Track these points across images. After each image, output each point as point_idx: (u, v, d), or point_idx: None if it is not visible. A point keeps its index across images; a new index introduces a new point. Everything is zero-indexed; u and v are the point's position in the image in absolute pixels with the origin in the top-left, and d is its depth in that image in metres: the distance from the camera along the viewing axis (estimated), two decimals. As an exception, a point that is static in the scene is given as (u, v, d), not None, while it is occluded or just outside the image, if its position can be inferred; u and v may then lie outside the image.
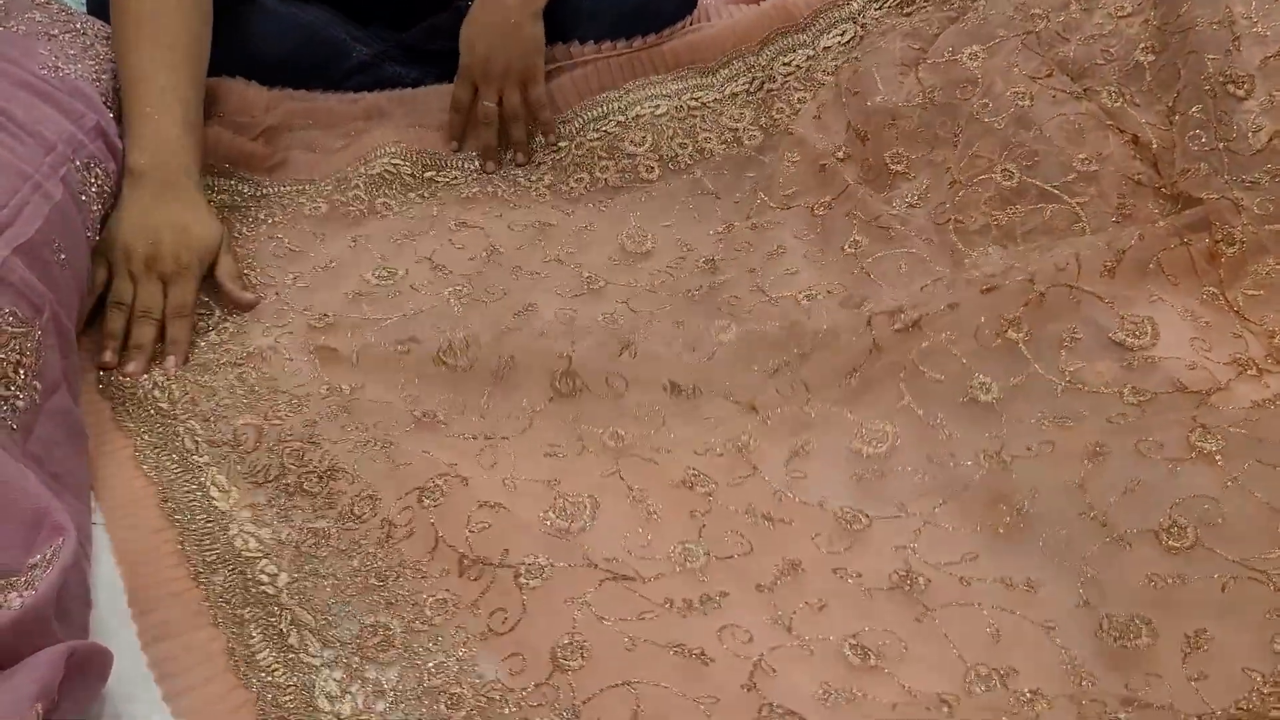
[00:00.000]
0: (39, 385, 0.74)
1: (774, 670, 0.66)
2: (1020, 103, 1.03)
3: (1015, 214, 0.99)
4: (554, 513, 0.75)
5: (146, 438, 0.83)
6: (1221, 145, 0.94)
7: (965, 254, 0.99)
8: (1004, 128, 1.03)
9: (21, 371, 0.71)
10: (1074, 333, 0.87)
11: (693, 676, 0.65)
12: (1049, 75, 1.04)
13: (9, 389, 0.70)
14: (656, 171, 1.19)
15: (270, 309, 0.96)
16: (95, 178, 0.89)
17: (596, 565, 0.71)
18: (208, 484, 0.78)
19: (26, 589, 0.56)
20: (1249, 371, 0.84)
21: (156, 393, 0.86)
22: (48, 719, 0.54)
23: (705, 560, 0.73)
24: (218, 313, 0.95)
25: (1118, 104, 1.03)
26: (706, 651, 0.66)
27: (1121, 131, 1.01)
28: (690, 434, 0.86)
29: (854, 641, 0.68)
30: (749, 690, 0.64)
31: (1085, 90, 1.04)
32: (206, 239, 0.93)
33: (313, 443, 0.81)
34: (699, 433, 0.86)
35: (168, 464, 0.80)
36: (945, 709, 0.64)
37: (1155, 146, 0.99)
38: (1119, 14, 1.06)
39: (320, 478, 0.78)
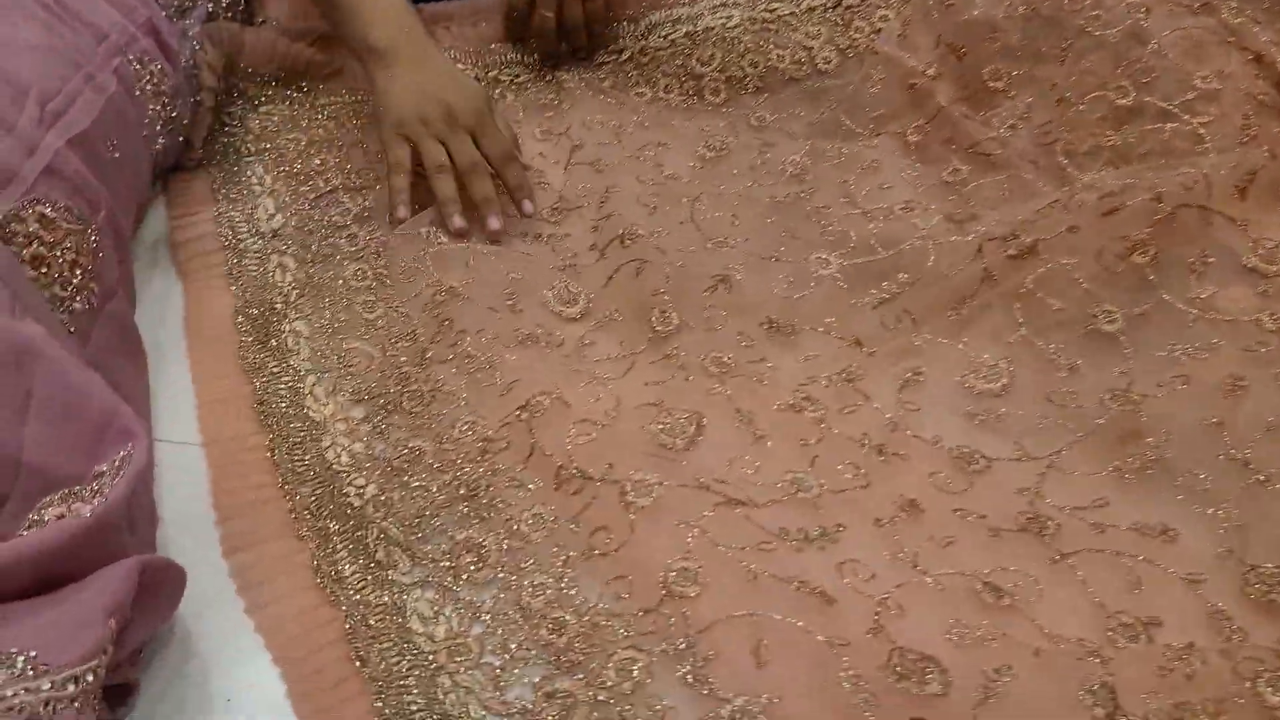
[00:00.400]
0: (96, 288, 0.68)
1: (902, 610, 0.60)
2: (1135, 15, 0.95)
3: (1130, 134, 0.92)
4: (658, 426, 0.69)
5: (249, 337, 0.78)
6: (1354, 59, 0.87)
7: (1075, 178, 0.92)
8: (1117, 41, 0.95)
9: (79, 272, 0.66)
10: (1205, 257, 0.80)
11: (818, 614, 0.59)
12: (1167, -13, 0.96)
13: (65, 289, 0.64)
14: (723, 94, 1.12)
15: (380, 197, 0.92)
16: (151, 74, 0.82)
17: (709, 487, 0.65)
18: (305, 393, 0.73)
19: (95, 497, 0.51)
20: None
21: (278, 298, 0.82)
22: (120, 635, 0.49)
23: (818, 492, 0.67)
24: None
25: (1239, 20, 0.95)
26: (828, 590, 0.60)
27: (1244, 49, 0.93)
28: (793, 367, 0.80)
29: (986, 579, 0.62)
30: (876, 634, 0.59)
31: (1204, 5, 0.97)
32: (480, 91, 0.92)
33: (420, 364, 0.76)
34: (803, 367, 0.80)
35: (269, 363, 0.75)
36: (1095, 659, 0.58)
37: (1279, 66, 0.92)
38: (1242, -76, 0.98)
39: (422, 398, 0.73)
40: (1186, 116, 0.91)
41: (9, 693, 0.41)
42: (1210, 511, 0.68)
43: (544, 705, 0.55)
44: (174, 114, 0.87)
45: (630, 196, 0.96)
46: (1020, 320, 0.80)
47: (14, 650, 0.43)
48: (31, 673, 0.42)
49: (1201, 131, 0.90)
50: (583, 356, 0.79)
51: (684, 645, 0.57)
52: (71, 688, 0.42)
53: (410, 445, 0.70)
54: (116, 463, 0.53)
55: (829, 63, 1.11)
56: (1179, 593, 0.63)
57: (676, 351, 0.79)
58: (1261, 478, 0.68)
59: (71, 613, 0.46)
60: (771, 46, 1.11)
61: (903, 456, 0.71)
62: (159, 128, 0.84)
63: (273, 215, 0.90)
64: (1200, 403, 0.72)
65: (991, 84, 1.01)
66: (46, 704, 0.41)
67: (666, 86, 1.11)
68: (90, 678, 0.43)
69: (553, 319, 0.82)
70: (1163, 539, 0.66)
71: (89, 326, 0.66)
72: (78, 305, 0.65)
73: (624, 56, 1.12)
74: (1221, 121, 0.90)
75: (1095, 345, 0.78)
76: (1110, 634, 0.61)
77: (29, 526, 0.51)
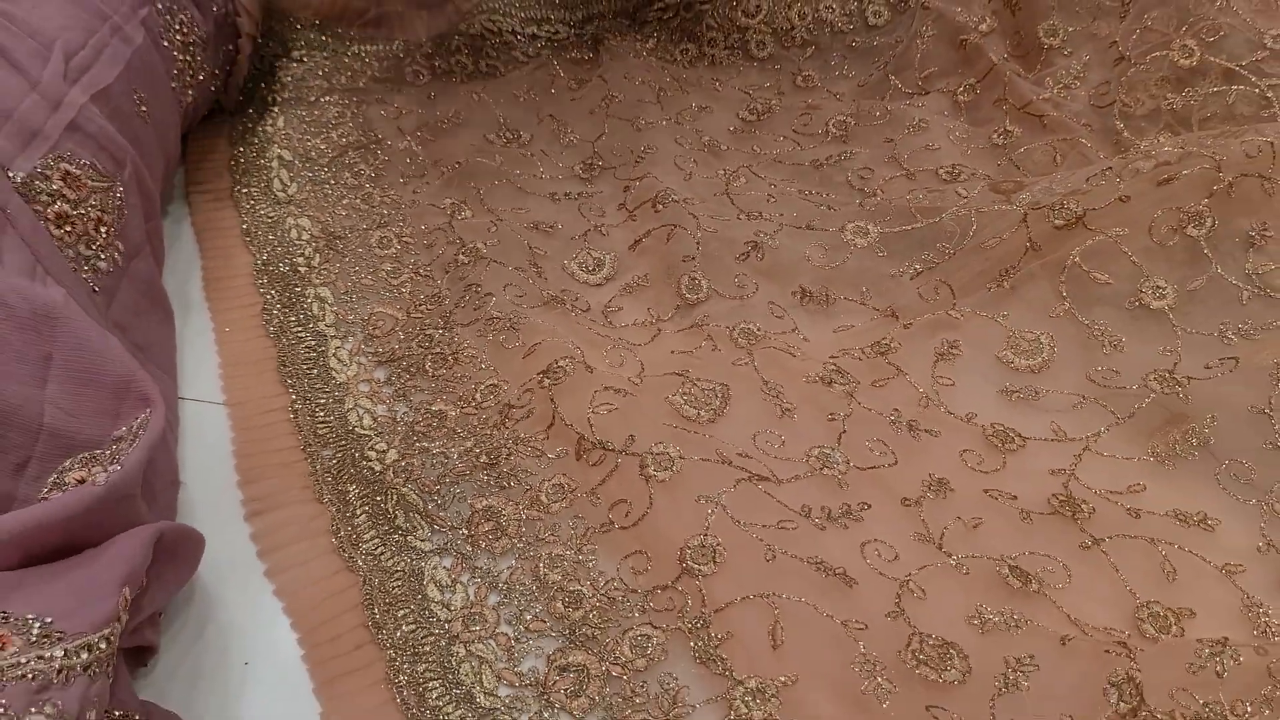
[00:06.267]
0: (122, 246, 0.68)
1: (923, 593, 0.59)
2: (1205, -32, 0.90)
3: (1192, 97, 0.87)
4: (682, 397, 0.68)
5: (275, 295, 0.78)
6: None
7: (1131, 142, 0.88)
8: (1183, -4, 0.90)
9: (103, 230, 0.65)
10: (1264, 229, 0.76)
11: (837, 597, 0.58)
12: (1237, -60, 0.91)
13: (90, 248, 0.64)
14: (768, 48, 1.08)
15: (400, 157, 0.91)
16: (180, 24, 0.81)
17: (730, 462, 0.64)
18: (329, 355, 0.73)
19: (112, 464, 0.51)
20: None
21: (300, 260, 0.81)
22: (136, 603, 0.49)
23: (845, 468, 0.66)
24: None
25: (1316, -24, 0.89)
26: (850, 571, 0.59)
27: (1320, 7, 0.88)
28: (825, 338, 0.78)
29: (1013, 564, 0.60)
30: (896, 617, 0.57)
31: (1279, -42, 0.91)
32: None
33: (444, 327, 0.75)
34: (835, 338, 0.78)
35: (293, 326, 0.75)
36: (1125, 653, 0.56)
37: (1361, 25, 0.86)
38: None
39: (445, 360, 0.72)
40: (1254, 78, 0.86)
41: (23, 659, 0.41)
42: (1253, 501, 0.65)
43: (556, 678, 0.55)
44: (204, 64, 0.86)
45: (667, 158, 0.94)
46: (1065, 294, 0.77)
47: (30, 616, 0.43)
48: (45, 639, 0.42)
49: (1270, 95, 0.85)
50: (609, 322, 0.78)
51: (699, 624, 0.57)
52: (85, 655, 0.43)
53: (433, 409, 0.70)
54: (134, 428, 0.53)
55: (880, 16, 1.07)
56: (1214, 584, 0.61)
57: (705, 320, 0.77)
58: (1309, 468, 0.65)
59: (86, 580, 0.46)
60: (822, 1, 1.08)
61: (934, 434, 0.69)
62: (188, 79, 0.83)
63: (287, 186, 0.89)
64: (1249, 387, 0.69)
65: (1046, 40, 0.96)
66: (59, 672, 0.42)
67: (711, 40, 1.08)
68: (103, 645, 0.44)
69: (577, 285, 0.81)
70: (1201, 527, 0.64)
71: (114, 286, 0.66)
72: (102, 264, 0.65)
73: (669, 14, 1.09)
74: (1292, 84, 0.86)
75: (1142, 322, 0.75)
76: (1140, 624, 0.59)
77: (50, 490, 0.51)
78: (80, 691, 0.42)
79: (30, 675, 0.41)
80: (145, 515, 0.52)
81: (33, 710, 0.40)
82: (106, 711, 0.45)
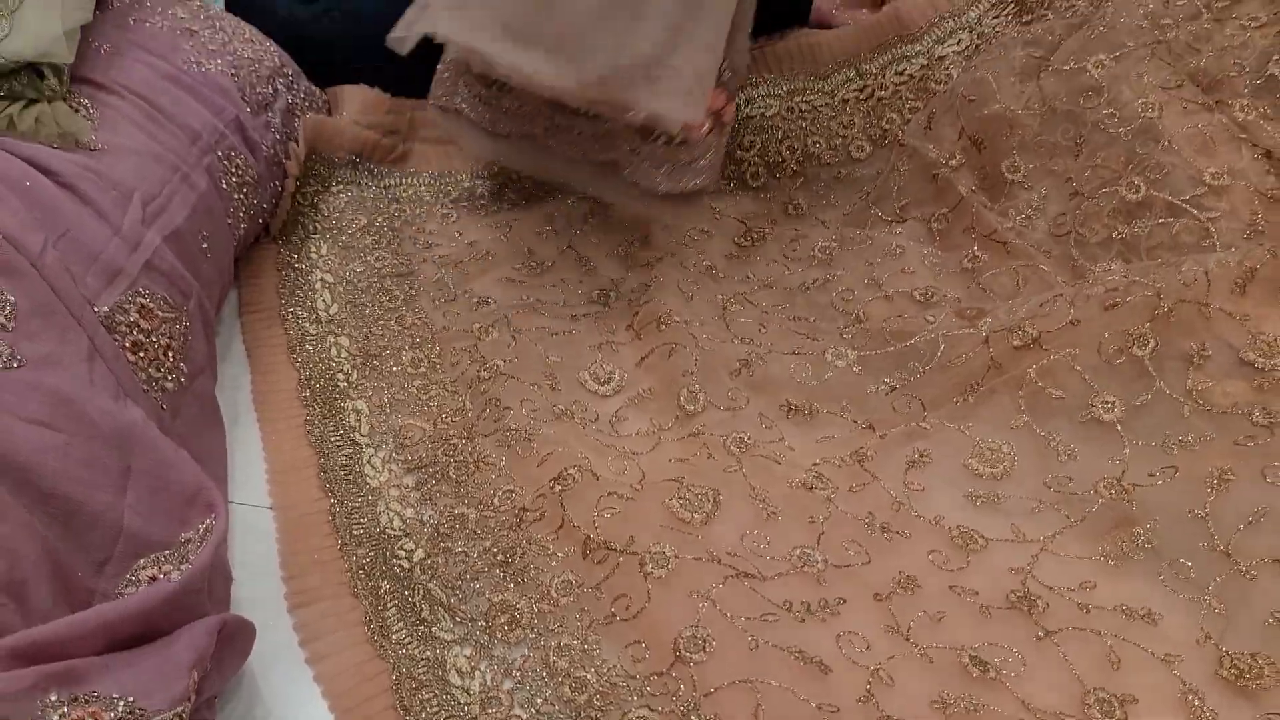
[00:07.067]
0: (185, 369, 0.77)
1: (892, 680, 0.66)
2: (1148, 113, 1.00)
3: (1140, 228, 0.97)
4: (678, 502, 0.76)
5: (317, 409, 0.87)
6: (1361, 164, 0.91)
7: (1086, 268, 0.97)
8: (1130, 139, 1.00)
9: (170, 354, 0.75)
10: (1203, 350, 0.84)
11: (813, 683, 0.65)
12: (1179, 86, 1.01)
13: (159, 370, 0.73)
14: (763, 178, 1.19)
15: (431, 285, 1.02)
16: (235, 168, 0.92)
17: (720, 560, 0.72)
18: (364, 462, 0.82)
19: (183, 564, 0.59)
20: (1390, 400, 0.81)
21: (340, 376, 0.90)
22: (200, 684, 0.57)
23: (824, 566, 0.73)
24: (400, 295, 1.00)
25: (1250, 117, 0.99)
26: (825, 660, 0.66)
27: (1255, 145, 0.98)
28: (808, 447, 0.86)
29: (973, 654, 0.68)
30: (866, 701, 0.64)
31: (1216, 102, 1.01)
32: None
33: (467, 438, 0.84)
34: (817, 447, 0.86)
35: (332, 436, 0.84)
36: (1070, 732, 0.63)
37: (1289, 161, 0.96)
38: (1252, 24, 1.03)
39: (467, 468, 0.81)
40: (1195, 211, 0.96)
41: (111, 733, 0.49)
42: (1192, 598, 0.72)
43: (564, 756, 0.62)
44: (255, 201, 0.97)
45: (672, 283, 1.03)
46: (1023, 407, 0.85)
47: (115, 695, 0.51)
48: (129, 715, 0.50)
49: (1209, 226, 0.95)
50: (615, 432, 0.87)
51: (690, 706, 0.64)
52: (162, 729, 0.50)
53: (455, 512, 0.78)
54: (201, 531, 0.62)
55: (862, 151, 1.18)
56: (1156, 672, 0.68)
57: (701, 429, 0.86)
58: (1242, 568, 0.72)
59: (162, 664, 0.54)
60: (809, 133, 1.19)
61: (905, 535, 0.77)
62: (242, 214, 0.94)
63: (330, 305, 0.99)
64: (1188, 494, 0.77)
65: (1009, 175, 1.07)
66: (142, 741, 0.49)
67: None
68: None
69: (588, 395, 0.90)
70: (1145, 621, 0.71)
71: (179, 404, 0.75)
72: (169, 385, 0.74)
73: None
74: (1230, 216, 0.95)
75: (1093, 433, 0.83)
76: (1088, 709, 0.66)
77: (126, 585, 0.60)
78: (158, 760, 0.50)
79: (119, 745, 0.49)
80: (208, 608, 0.60)
81: (121, 774, 0.48)
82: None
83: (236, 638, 0.61)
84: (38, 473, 0.58)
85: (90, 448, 0.61)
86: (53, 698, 0.50)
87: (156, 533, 0.62)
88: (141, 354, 0.72)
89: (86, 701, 0.50)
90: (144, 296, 0.74)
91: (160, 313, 0.75)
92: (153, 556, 0.61)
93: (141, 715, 0.50)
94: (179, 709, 0.52)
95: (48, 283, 0.66)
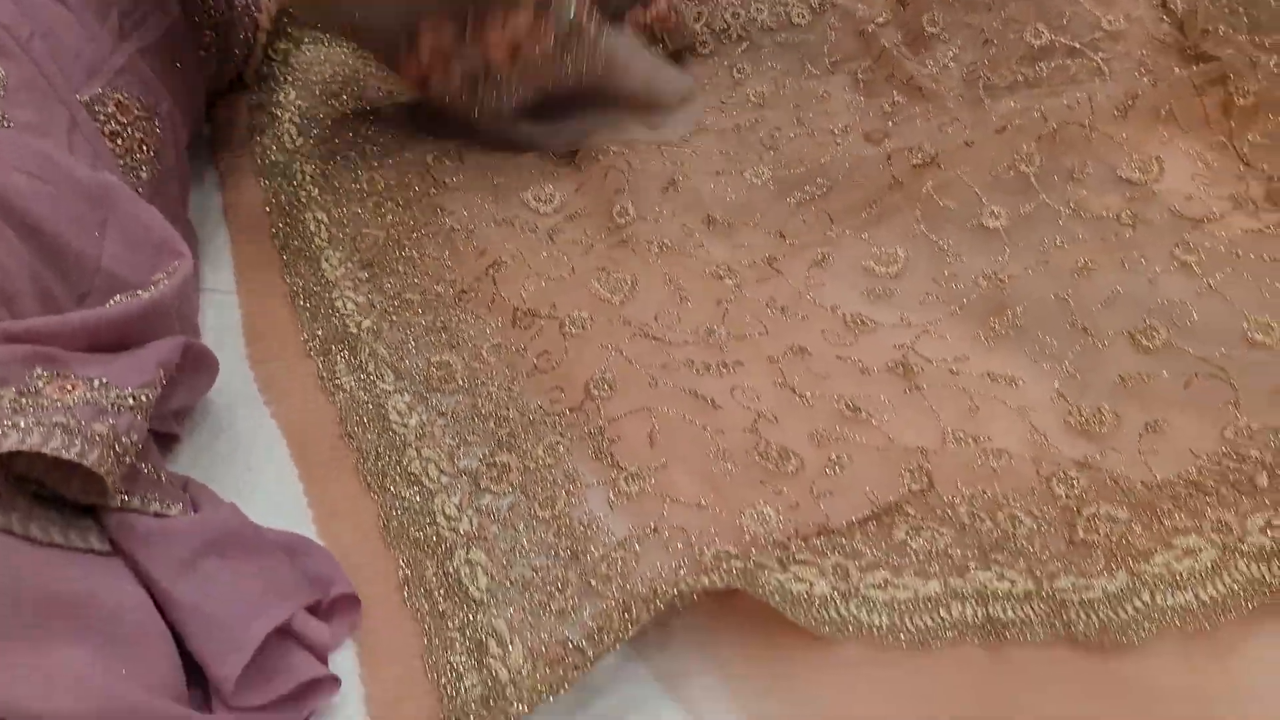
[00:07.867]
0: (158, 165, 0.86)
1: (775, 419, 0.76)
2: (1056, -30, 1.09)
3: (1041, 69, 1.06)
4: (600, 284, 0.86)
5: (280, 224, 0.96)
6: (1241, 8, 1.00)
7: (990, 107, 1.06)
8: (1038, -8, 1.09)
9: (144, 148, 0.84)
10: (1084, 168, 0.94)
11: (705, 414, 0.75)
12: (1082, -60, 1.09)
13: (133, 160, 0.82)
14: (710, 46, 1.27)
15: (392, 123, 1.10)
16: (208, 7, 1.01)
17: (630, 323, 0.81)
18: (322, 259, 0.91)
19: (153, 288, 0.68)
20: (1246, 208, 0.90)
21: (302, 193, 0.99)
22: (166, 391, 0.66)
23: (725, 337, 0.83)
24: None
25: (1148, -31, 1.08)
26: (717, 400, 0.76)
27: (1150, -5, 1.07)
28: (724, 253, 0.95)
29: (850, 402, 0.77)
30: (750, 431, 0.74)
31: (1118, -42, 1.09)
32: None
33: (414, 240, 0.93)
34: (733, 252, 0.95)
35: (293, 240, 0.95)
36: (921, 454, 0.72)
37: (1181, 9, 1.04)
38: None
39: (413, 263, 0.91)
40: (1090, 53, 1.04)
41: (88, 395, 0.58)
42: (1050, 367, 0.82)
43: (485, 470, 0.72)
44: (226, 43, 1.05)
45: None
46: (919, 218, 0.94)
47: (92, 376, 0.61)
48: (103, 388, 0.60)
49: (1101, 65, 1.04)
50: (552, 241, 0.96)
51: (596, 432, 0.74)
52: (130, 400, 0.60)
53: (404, 297, 0.87)
54: (170, 273, 0.71)
55: (803, 18, 1.26)
56: (1010, 419, 0.78)
57: (630, 238, 0.95)
58: (1095, 341, 0.81)
59: (132, 361, 0.63)
60: (753, 2, 1.27)
61: (802, 317, 0.86)
62: (213, 50, 1.02)
63: (295, 138, 1.08)
64: (1056, 281, 0.86)
65: (929, 29, 1.15)
66: (112, 404, 0.58)
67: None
68: (144, 397, 0.61)
69: (529, 213, 0.99)
70: (1007, 384, 0.81)
71: (151, 195, 0.84)
72: (143, 174, 0.83)
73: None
74: (1123, 58, 1.04)
75: (980, 238, 0.92)
76: (945, 444, 0.75)
77: (104, 314, 0.69)
78: (127, 420, 0.59)
79: (92, 403, 0.58)
80: (177, 330, 0.69)
81: (95, 423, 0.57)
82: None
83: (200, 361, 0.71)
84: (31, 213, 0.67)
85: (74, 200, 0.70)
86: (38, 370, 0.59)
87: (131, 275, 0.71)
88: (119, 142, 0.81)
89: (66, 377, 0.60)
90: (120, 94, 0.82)
91: (135, 110, 0.84)
92: (128, 294, 0.70)
93: (112, 389, 0.60)
94: (145, 389, 0.61)
95: (35, 64, 0.74)
